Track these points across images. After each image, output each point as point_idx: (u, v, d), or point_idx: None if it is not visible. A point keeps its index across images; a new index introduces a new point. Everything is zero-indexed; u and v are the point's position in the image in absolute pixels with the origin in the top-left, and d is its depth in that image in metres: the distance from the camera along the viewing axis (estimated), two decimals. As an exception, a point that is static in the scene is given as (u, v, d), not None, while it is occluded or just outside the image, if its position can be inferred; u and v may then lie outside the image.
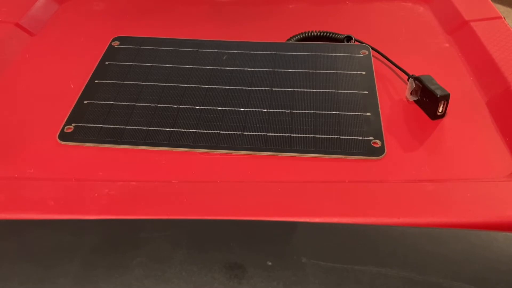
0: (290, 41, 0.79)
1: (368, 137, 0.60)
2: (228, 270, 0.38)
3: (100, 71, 0.71)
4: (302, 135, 0.60)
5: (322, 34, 0.80)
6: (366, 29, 0.83)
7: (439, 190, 0.53)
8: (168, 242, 0.41)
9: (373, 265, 0.39)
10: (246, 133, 0.61)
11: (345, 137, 0.60)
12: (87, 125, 0.62)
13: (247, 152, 0.59)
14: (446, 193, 0.53)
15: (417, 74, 0.67)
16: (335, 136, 0.60)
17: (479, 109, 0.67)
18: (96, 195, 0.51)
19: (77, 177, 0.56)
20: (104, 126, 0.62)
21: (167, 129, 0.61)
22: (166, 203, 0.50)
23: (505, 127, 0.63)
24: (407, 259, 0.40)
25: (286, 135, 0.61)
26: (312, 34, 0.80)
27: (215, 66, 0.72)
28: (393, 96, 0.69)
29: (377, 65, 0.74)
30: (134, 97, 0.66)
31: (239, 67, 0.72)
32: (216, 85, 0.69)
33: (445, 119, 0.65)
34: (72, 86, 0.70)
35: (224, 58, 0.74)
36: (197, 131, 0.61)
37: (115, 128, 0.62)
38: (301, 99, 0.66)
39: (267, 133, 0.61)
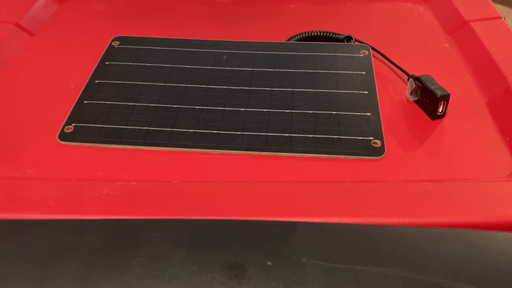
0: (290, 41, 0.79)
1: (368, 137, 0.60)
2: (228, 270, 0.38)
3: (100, 71, 0.71)
4: (302, 135, 0.60)
5: (322, 34, 0.80)
6: (366, 29, 0.83)
7: (439, 190, 0.53)
8: (168, 242, 0.41)
9: (373, 265, 0.39)
10: (246, 133, 0.61)
11: (345, 137, 0.60)
12: (87, 125, 0.62)
13: (247, 152, 0.59)
14: (446, 193, 0.53)
15: (417, 74, 0.67)
16: (335, 136, 0.60)
17: (479, 109, 0.67)
18: (96, 195, 0.51)
19: (77, 177, 0.56)
20: (104, 126, 0.62)
21: (167, 129, 0.61)
22: (166, 203, 0.50)
23: (505, 127, 0.63)
24: (407, 259, 0.40)
25: (286, 135, 0.61)
26: (312, 34, 0.80)
27: (215, 66, 0.72)
28: (393, 96, 0.69)
29: (377, 65, 0.74)
30: (134, 97, 0.66)
31: (239, 67, 0.72)
32: (216, 85, 0.69)
33: (445, 119, 0.65)
34: (72, 86, 0.70)
35: (224, 58, 0.74)
36: (197, 131, 0.61)
37: (115, 128, 0.62)
38: (301, 99, 0.66)
39: (267, 133, 0.61)
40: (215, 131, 0.61)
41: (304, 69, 0.71)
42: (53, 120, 0.64)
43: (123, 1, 0.91)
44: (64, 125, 0.62)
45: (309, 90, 0.68)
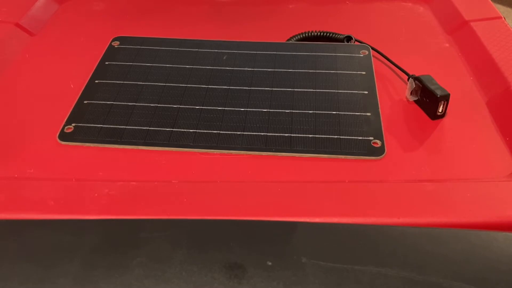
0: (290, 41, 0.79)
1: (368, 137, 0.60)
2: (228, 270, 0.38)
3: (100, 71, 0.71)
4: (302, 135, 0.60)
5: (322, 34, 0.80)
6: (366, 29, 0.83)
7: (439, 190, 0.53)
8: (168, 242, 0.41)
9: (373, 265, 0.39)
10: (246, 133, 0.61)
11: (345, 137, 0.60)
12: (87, 125, 0.62)
13: (247, 152, 0.59)
14: (446, 193, 0.53)
15: (417, 74, 0.67)
16: (335, 136, 0.60)
17: (479, 109, 0.67)
18: (96, 195, 0.51)
19: (77, 177, 0.56)
20: (104, 126, 0.62)
21: (167, 129, 0.61)
22: (166, 203, 0.50)
23: (505, 127, 0.63)
24: (407, 259, 0.40)
25: (286, 135, 0.61)
26: (312, 34, 0.80)
27: (215, 66, 0.72)
28: (393, 96, 0.69)
29: (377, 65, 0.74)
30: (134, 97, 0.66)
31: (239, 67, 0.72)
32: (216, 85, 0.69)
33: (445, 119, 0.65)
34: (72, 86, 0.70)
35: (224, 58, 0.74)
36: (197, 131, 0.61)
37: (115, 128, 0.62)
38: (301, 99, 0.66)
39: (267, 133, 0.61)
40: (215, 131, 0.61)
41: (304, 69, 0.71)
42: (53, 120, 0.64)
43: (123, 1, 0.91)
44: (64, 125, 0.62)
45: (309, 90, 0.68)
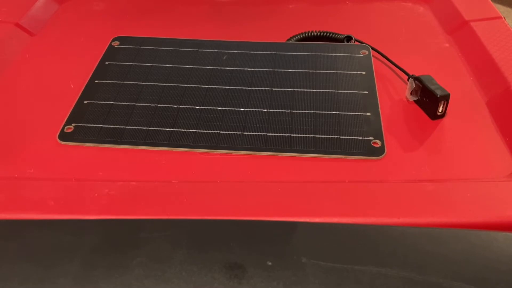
0: (290, 41, 0.79)
1: (368, 137, 0.60)
2: (228, 270, 0.38)
3: (100, 71, 0.71)
4: (302, 135, 0.60)
5: (322, 34, 0.80)
6: (366, 29, 0.83)
7: (439, 190, 0.53)
8: (168, 242, 0.41)
9: (373, 265, 0.39)
10: (246, 133, 0.61)
11: (345, 137, 0.60)
12: (87, 125, 0.62)
13: (247, 152, 0.59)
14: (446, 193, 0.53)
15: (417, 74, 0.67)
16: (335, 136, 0.60)
17: (479, 109, 0.67)
18: (96, 195, 0.51)
19: (77, 177, 0.56)
20: (104, 126, 0.62)
21: (167, 129, 0.61)
22: (166, 203, 0.50)
23: (505, 127, 0.63)
24: (407, 259, 0.40)
25: (286, 135, 0.61)
26: (312, 34, 0.80)
27: (215, 66, 0.72)
28: (393, 96, 0.69)
29: (377, 65, 0.74)
30: (134, 97, 0.66)
31: (239, 67, 0.72)
32: (216, 85, 0.69)
33: (445, 119, 0.65)
34: (72, 86, 0.70)
35: (224, 58, 0.74)
36: (197, 131, 0.61)
37: (115, 128, 0.62)
38: (301, 99, 0.66)
39: (267, 133, 0.61)
40: (215, 131, 0.61)
41: (304, 69, 0.71)
42: (53, 120, 0.64)
43: (123, 1, 0.91)
44: (64, 125, 0.62)
45: (309, 90, 0.68)
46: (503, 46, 0.74)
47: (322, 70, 0.71)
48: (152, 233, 0.42)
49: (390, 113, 0.65)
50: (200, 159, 0.58)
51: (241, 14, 0.88)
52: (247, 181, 0.56)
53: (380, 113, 0.64)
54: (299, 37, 0.79)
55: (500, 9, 1.46)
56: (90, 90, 0.68)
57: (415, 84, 0.66)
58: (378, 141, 0.60)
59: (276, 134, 0.61)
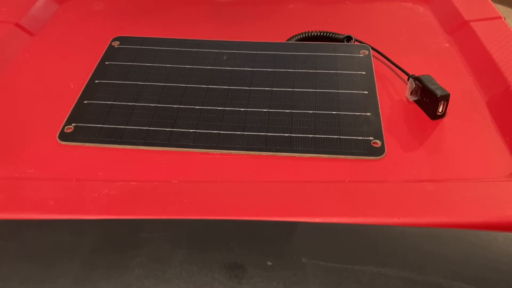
0: (290, 41, 0.79)
1: (368, 137, 0.60)
2: (228, 270, 0.38)
3: (100, 71, 0.71)
4: (302, 135, 0.60)
5: (322, 34, 0.80)
6: (366, 29, 0.83)
7: (439, 190, 0.53)
8: (168, 242, 0.41)
9: (373, 265, 0.39)
10: (246, 133, 0.61)
11: (345, 137, 0.60)
12: (87, 125, 0.62)
13: (247, 152, 0.59)
14: (446, 193, 0.53)
15: (417, 74, 0.67)
16: (335, 136, 0.60)
17: (479, 109, 0.67)
18: (96, 195, 0.51)
19: (77, 177, 0.56)
20: (104, 126, 0.62)
21: (167, 129, 0.61)
22: (166, 203, 0.50)
23: (505, 127, 0.63)
24: (407, 259, 0.40)
25: (286, 135, 0.61)
26: (312, 34, 0.80)
27: (215, 66, 0.72)
28: (393, 96, 0.69)
29: (377, 65, 0.74)
30: (134, 97, 0.66)
31: (239, 67, 0.72)
32: (216, 85, 0.69)
33: (445, 119, 0.65)
34: (72, 86, 0.70)
35: (224, 58, 0.74)
36: (197, 131, 0.61)
37: (115, 128, 0.62)
38: (301, 99, 0.66)
39: (267, 133, 0.61)
40: (215, 131, 0.61)
41: (304, 69, 0.71)
42: (53, 120, 0.64)
43: (123, 1, 0.91)
44: (64, 125, 0.62)
45: (309, 90, 0.68)
46: (503, 46, 0.74)
47: (322, 70, 0.71)
48: (152, 233, 0.42)
49: (390, 113, 0.65)
50: (200, 159, 0.58)
51: (241, 14, 0.88)
52: (247, 181, 0.56)
53: (380, 113, 0.64)
54: (299, 37, 0.79)
55: (500, 9, 1.46)
56: (90, 90, 0.68)
57: (415, 84, 0.66)
58: (378, 141, 0.60)
59: (276, 134, 0.61)
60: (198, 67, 0.72)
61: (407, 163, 0.58)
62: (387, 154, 0.59)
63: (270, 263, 0.39)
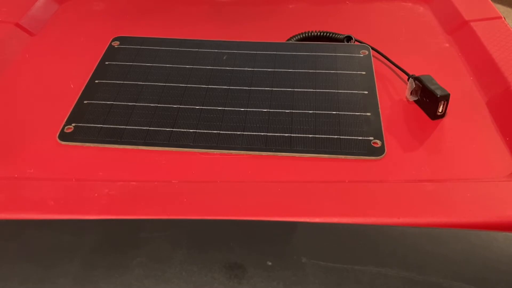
0: (290, 41, 0.79)
1: (368, 137, 0.60)
2: (228, 270, 0.38)
3: (100, 71, 0.71)
4: (302, 135, 0.60)
5: (322, 34, 0.80)
6: (366, 29, 0.83)
7: (439, 190, 0.53)
8: (168, 242, 0.41)
9: (373, 265, 0.39)
10: (246, 133, 0.61)
11: (345, 137, 0.60)
12: (87, 125, 0.62)
13: (247, 152, 0.59)
14: (446, 193, 0.53)
15: (417, 74, 0.67)
16: (335, 136, 0.60)
17: (479, 109, 0.67)
18: (96, 195, 0.51)
19: (77, 177, 0.56)
20: (104, 126, 0.62)
21: (167, 129, 0.61)
22: (166, 203, 0.50)
23: (505, 127, 0.63)
24: (407, 259, 0.40)
25: (286, 135, 0.61)
26: (312, 34, 0.80)
27: (215, 66, 0.72)
28: (393, 96, 0.69)
29: (377, 65, 0.74)
30: (134, 97, 0.66)
31: (239, 67, 0.72)
32: (216, 85, 0.69)
33: (445, 119, 0.65)
34: (72, 86, 0.70)
35: (224, 58, 0.74)
36: (197, 131, 0.61)
37: (115, 128, 0.62)
38: (301, 99, 0.66)
39: (267, 133, 0.61)
40: (215, 131, 0.61)
41: (304, 69, 0.71)
42: (53, 120, 0.64)
43: (123, 1, 0.91)
44: (64, 125, 0.62)
45: (309, 90, 0.68)
46: (503, 46, 0.74)
47: (322, 70, 0.71)
48: (152, 233, 0.42)
49: (390, 113, 0.65)
50: (200, 159, 0.58)
51: (241, 14, 0.88)
52: (247, 181, 0.56)
53: (380, 113, 0.64)
54: (299, 37, 0.79)
55: (500, 9, 1.46)
56: (90, 90, 0.68)
57: (415, 84, 0.66)
58: (378, 141, 0.60)
59: (276, 134, 0.61)
60: (198, 67, 0.72)
61: (407, 163, 0.58)
62: (387, 154, 0.59)
63: (270, 263, 0.39)
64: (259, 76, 0.70)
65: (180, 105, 0.65)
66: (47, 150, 0.60)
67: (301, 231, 0.43)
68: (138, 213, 0.49)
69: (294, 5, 0.90)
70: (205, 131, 0.61)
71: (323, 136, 0.60)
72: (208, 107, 0.65)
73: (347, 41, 0.79)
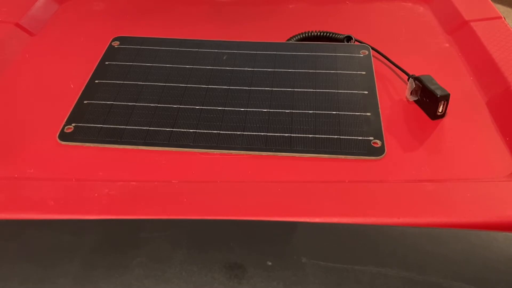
0: (290, 41, 0.79)
1: (368, 137, 0.60)
2: (228, 270, 0.38)
3: (100, 71, 0.71)
4: (302, 135, 0.60)
5: (322, 34, 0.80)
6: (366, 29, 0.83)
7: (439, 190, 0.53)
8: (168, 242, 0.41)
9: (373, 265, 0.39)
10: (246, 133, 0.61)
11: (345, 137, 0.60)
12: (87, 125, 0.62)
13: (247, 152, 0.59)
14: (446, 193, 0.53)
15: (417, 74, 0.67)
16: (335, 136, 0.60)
17: (479, 109, 0.67)
18: (96, 195, 0.51)
19: (77, 177, 0.56)
20: (104, 126, 0.62)
21: (167, 129, 0.61)
22: (166, 203, 0.50)
23: (505, 127, 0.63)
24: (407, 259, 0.40)
25: (286, 135, 0.61)
26: (312, 34, 0.80)
27: (215, 66, 0.72)
28: (393, 96, 0.69)
29: (377, 65, 0.74)
30: (134, 97, 0.66)
31: (239, 67, 0.72)
32: (216, 85, 0.69)
33: (445, 119, 0.65)
34: (72, 86, 0.70)
35: (224, 58, 0.74)
36: (197, 131, 0.61)
37: (115, 128, 0.62)
38: (301, 99, 0.66)
39: (267, 133, 0.61)
40: (215, 131, 0.61)
41: (304, 69, 0.71)
42: (53, 120, 0.64)
43: (123, 1, 0.91)
44: (64, 125, 0.62)
45: (309, 90, 0.68)
46: (503, 46, 0.74)
47: (322, 70, 0.71)
48: (152, 233, 0.42)
49: (390, 113, 0.65)
50: (200, 159, 0.58)
51: (241, 14, 0.88)
52: (247, 181, 0.56)
53: (380, 113, 0.64)
54: (299, 37, 0.79)
55: (500, 9, 1.46)
56: (90, 90, 0.68)
57: (415, 84, 0.66)
58: (378, 141, 0.60)
59: (276, 134, 0.61)
60: (198, 67, 0.72)
61: (407, 163, 0.58)
62: (387, 154, 0.59)
63: (270, 263, 0.39)
64: (259, 76, 0.70)
65: (180, 105, 0.65)
66: (47, 150, 0.60)
67: (301, 231, 0.43)
68: (138, 213, 0.49)
69: (294, 5, 0.90)
70: (205, 131, 0.61)
71: (323, 136, 0.60)
72: (208, 107, 0.65)
73: (347, 41, 0.79)
